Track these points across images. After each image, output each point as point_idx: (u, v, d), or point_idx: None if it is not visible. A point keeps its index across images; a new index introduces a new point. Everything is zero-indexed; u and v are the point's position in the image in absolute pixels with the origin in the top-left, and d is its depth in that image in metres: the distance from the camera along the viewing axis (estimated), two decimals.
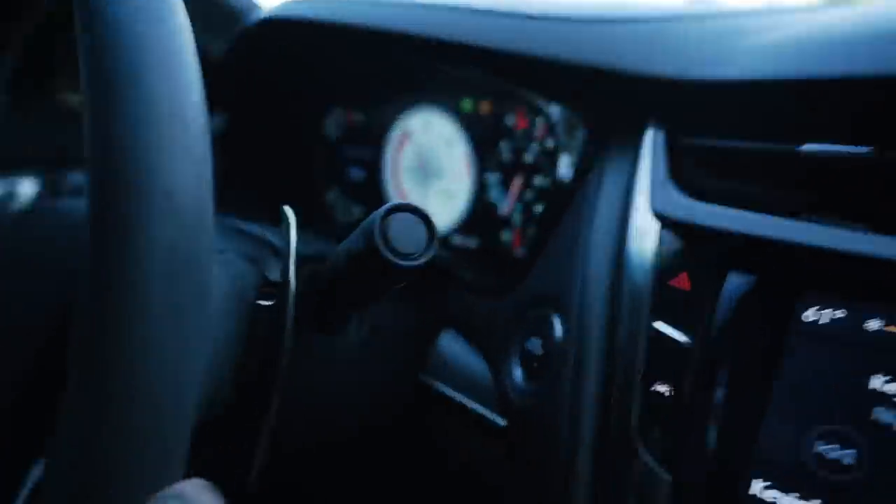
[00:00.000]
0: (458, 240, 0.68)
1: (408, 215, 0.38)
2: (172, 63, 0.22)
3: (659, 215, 0.44)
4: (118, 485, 0.21)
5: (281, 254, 0.43)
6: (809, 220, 0.39)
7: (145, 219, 0.21)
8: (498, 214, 0.64)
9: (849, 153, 0.38)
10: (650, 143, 0.47)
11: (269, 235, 0.48)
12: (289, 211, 0.44)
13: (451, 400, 0.53)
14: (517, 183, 0.63)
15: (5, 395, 0.31)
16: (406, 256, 0.37)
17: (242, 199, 0.74)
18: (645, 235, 0.45)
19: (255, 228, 0.49)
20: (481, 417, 0.51)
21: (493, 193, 0.65)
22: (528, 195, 0.62)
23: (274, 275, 0.43)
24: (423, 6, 0.56)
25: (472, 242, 0.67)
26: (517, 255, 0.63)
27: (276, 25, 0.62)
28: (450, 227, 0.68)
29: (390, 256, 0.37)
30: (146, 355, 0.21)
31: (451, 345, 0.55)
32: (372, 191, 0.73)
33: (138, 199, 0.21)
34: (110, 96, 0.21)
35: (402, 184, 0.71)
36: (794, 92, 0.40)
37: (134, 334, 0.21)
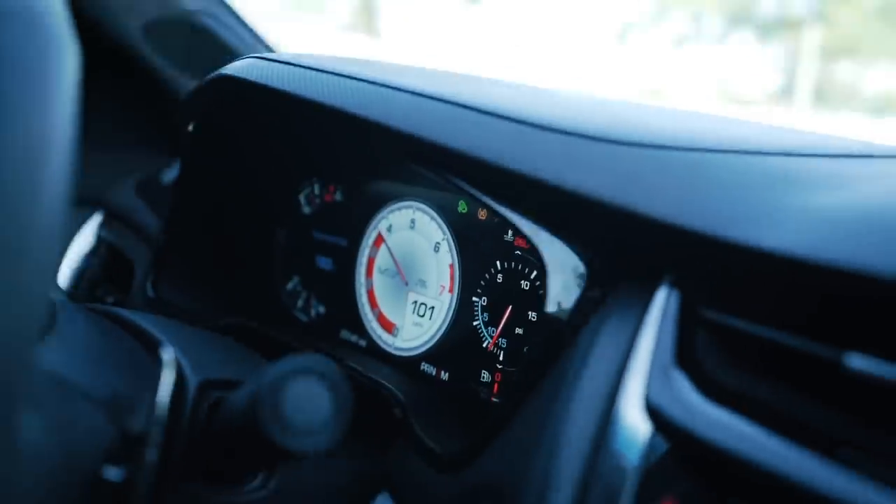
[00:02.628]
0: (428, 368, 0.63)
1: (312, 382, 0.34)
2: None
3: (654, 412, 0.39)
4: None
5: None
6: (849, 465, 0.33)
7: None
8: (480, 346, 0.59)
9: None
10: (660, 307, 0.43)
11: (170, 346, 0.43)
12: (167, 353, 0.39)
13: None
14: (507, 312, 0.58)
15: None
16: (303, 438, 0.33)
17: (181, 273, 0.71)
18: (632, 436, 0.39)
19: (151, 325, 0.45)
20: None
21: (478, 319, 0.60)
22: (519, 330, 0.57)
23: (139, 424, 0.38)
24: (402, 92, 0.53)
25: (443, 374, 0.62)
26: (494, 401, 0.58)
27: (234, 83, 0.60)
28: (420, 349, 0.63)
29: (278, 438, 0.32)
30: None
31: None
32: (339, 288, 0.70)
33: None
34: None
35: (372, 287, 0.67)
36: (846, 284, 0.35)
37: None
